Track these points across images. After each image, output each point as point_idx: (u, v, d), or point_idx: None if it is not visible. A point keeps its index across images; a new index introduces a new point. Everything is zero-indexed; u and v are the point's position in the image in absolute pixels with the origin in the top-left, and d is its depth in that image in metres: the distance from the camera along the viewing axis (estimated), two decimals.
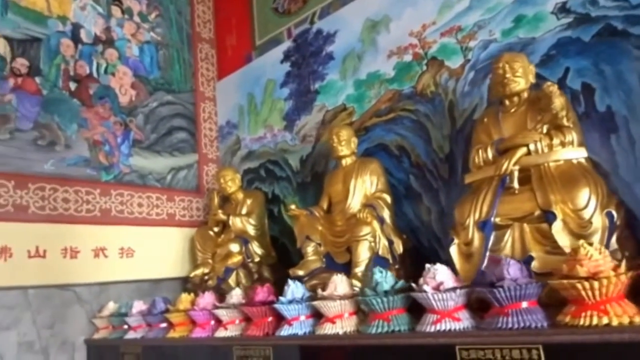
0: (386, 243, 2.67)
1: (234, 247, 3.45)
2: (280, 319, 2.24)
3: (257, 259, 3.51)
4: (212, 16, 4.89)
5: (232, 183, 3.75)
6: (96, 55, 3.85)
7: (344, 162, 3.07)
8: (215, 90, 4.71)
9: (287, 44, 4.06)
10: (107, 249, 3.57)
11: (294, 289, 2.18)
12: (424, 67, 3.13)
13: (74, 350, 3.28)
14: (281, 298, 2.18)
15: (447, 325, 1.60)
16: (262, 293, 2.33)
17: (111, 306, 3.38)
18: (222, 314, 2.48)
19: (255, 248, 3.53)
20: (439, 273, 1.66)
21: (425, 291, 1.64)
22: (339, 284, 2.05)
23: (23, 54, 3.41)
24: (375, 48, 3.41)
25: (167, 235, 3.97)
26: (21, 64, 3.38)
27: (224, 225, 3.75)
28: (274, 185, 4.02)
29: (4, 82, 3.28)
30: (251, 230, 3.60)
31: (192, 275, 3.64)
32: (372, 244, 2.62)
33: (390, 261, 2.63)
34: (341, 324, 1.95)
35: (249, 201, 3.74)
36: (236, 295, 2.54)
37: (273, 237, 3.76)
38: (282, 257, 3.66)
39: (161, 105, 4.21)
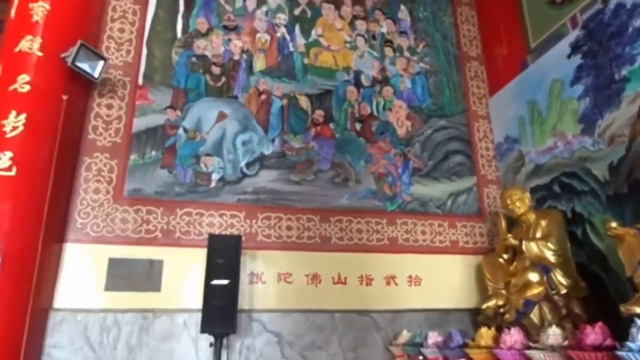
0: None
1: (533, 277, 2.99)
2: None
3: (563, 291, 2.98)
4: (478, 32, 4.72)
5: (520, 203, 3.36)
6: (375, 95, 4.20)
7: None
8: (488, 107, 4.45)
9: (573, 35, 3.47)
10: (397, 277, 3.68)
11: None
12: None
13: None
14: (628, 344, 1.64)
15: None
16: (595, 335, 1.84)
17: (405, 334, 3.40)
18: (538, 356, 2.09)
19: (560, 277, 3.01)
20: None
21: None
22: None
23: (320, 106, 4.02)
24: None
25: (451, 263, 3.84)
26: (319, 114, 3.98)
27: (515, 252, 3.37)
28: (574, 201, 3.37)
29: (307, 132, 3.91)
30: (551, 256, 3.11)
31: (484, 307, 3.36)
32: None
33: None
34: None
35: (543, 222, 3.27)
36: (554, 335, 2.11)
37: (579, 264, 3.12)
38: (593, 288, 3.01)
39: (435, 131, 4.23)
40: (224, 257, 2.99)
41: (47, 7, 3.07)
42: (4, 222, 2.62)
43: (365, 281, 3.61)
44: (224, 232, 3.40)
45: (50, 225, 2.84)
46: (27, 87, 2.87)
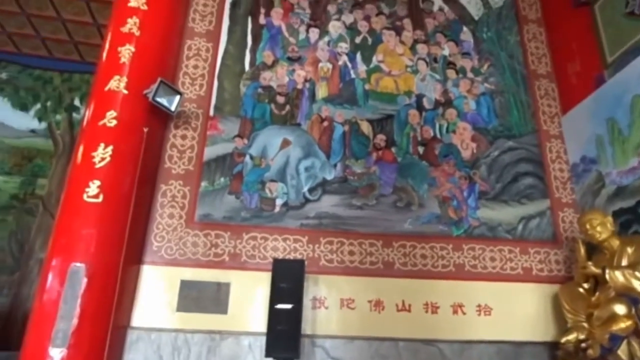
0: None
1: (620, 309, 2.76)
2: None
3: None
4: (547, 49, 4.54)
5: (602, 228, 3.14)
6: (438, 118, 4.15)
7: None
8: (561, 126, 4.21)
9: None
10: (465, 306, 3.52)
11: None
12: None
13: None
14: None
15: None
16: None
17: None
18: None
19: None
20: None
21: None
22: None
23: (381, 130, 4.04)
24: None
25: (524, 292, 3.62)
26: (380, 139, 4.00)
27: (597, 281, 3.14)
28: None
29: (369, 157, 3.93)
30: (639, 287, 2.81)
31: (563, 340, 3.16)
32: None
33: None
34: None
35: (630, 249, 3.04)
36: None
37: None
38: None
39: (503, 152, 4.07)
40: (287, 281, 3.04)
41: (133, 49, 3.41)
42: (91, 244, 2.88)
43: (431, 309, 3.49)
44: (287, 257, 3.47)
45: (130, 247, 3.06)
46: (114, 122, 3.17)
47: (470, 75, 4.35)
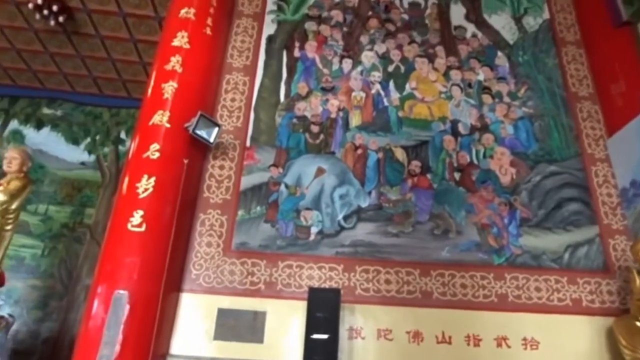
0: None
1: None
2: None
3: None
4: (588, 70, 4.42)
5: None
6: (474, 143, 4.08)
7: None
8: (607, 149, 4.04)
9: None
10: (509, 339, 3.35)
11: None
12: None
13: None
14: None
15: None
16: None
17: None
18: None
19: None
20: None
21: None
22: None
23: (416, 157, 4.01)
24: None
25: (574, 325, 3.41)
26: (415, 165, 3.97)
27: None
28: None
29: (404, 183, 3.90)
30: None
31: None
32: None
33: None
34: None
35: None
36: None
37: None
38: None
39: (544, 177, 3.93)
40: (323, 310, 3.02)
41: (175, 85, 3.59)
42: (134, 272, 2.97)
43: (473, 342, 3.34)
44: (322, 285, 3.44)
45: (170, 275, 3.14)
46: (157, 154, 3.32)
47: (506, 99, 4.28)
